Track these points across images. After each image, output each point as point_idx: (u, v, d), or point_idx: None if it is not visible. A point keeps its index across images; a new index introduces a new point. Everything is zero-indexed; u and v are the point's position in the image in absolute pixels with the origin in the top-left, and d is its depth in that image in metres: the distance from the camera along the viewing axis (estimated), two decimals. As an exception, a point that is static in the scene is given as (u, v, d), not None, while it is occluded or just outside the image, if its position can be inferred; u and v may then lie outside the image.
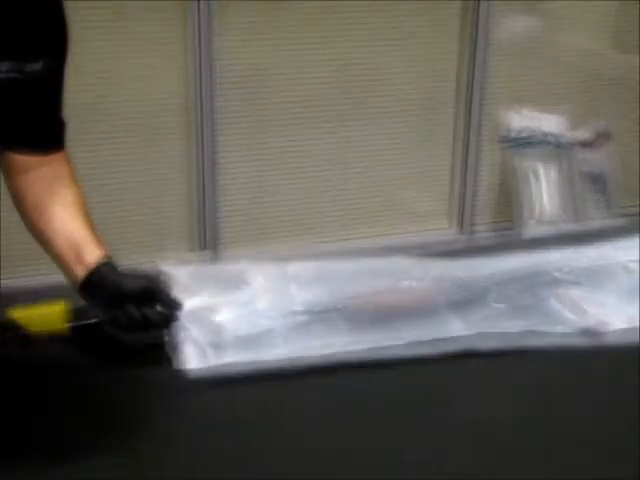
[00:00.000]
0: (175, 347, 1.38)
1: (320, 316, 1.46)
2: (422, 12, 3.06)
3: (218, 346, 1.39)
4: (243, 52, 2.90)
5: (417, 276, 1.53)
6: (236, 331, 1.42)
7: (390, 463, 1.18)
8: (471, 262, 1.58)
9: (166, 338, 1.39)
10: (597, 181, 3.28)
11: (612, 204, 3.30)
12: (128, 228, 2.92)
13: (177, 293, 1.41)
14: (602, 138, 3.27)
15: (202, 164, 2.92)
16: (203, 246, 2.98)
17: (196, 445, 1.20)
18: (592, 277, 1.59)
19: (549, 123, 3.24)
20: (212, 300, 1.44)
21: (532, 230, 2.98)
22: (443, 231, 3.31)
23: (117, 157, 2.85)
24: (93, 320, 1.35)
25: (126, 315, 1.32)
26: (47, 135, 1.39)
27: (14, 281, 2.13)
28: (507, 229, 3.18)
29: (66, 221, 1.36)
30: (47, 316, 1.35)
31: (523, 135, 3.20)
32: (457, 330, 1.48)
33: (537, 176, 3.22)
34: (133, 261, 2.35)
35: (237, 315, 1.44)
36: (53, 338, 1.35)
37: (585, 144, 3.25)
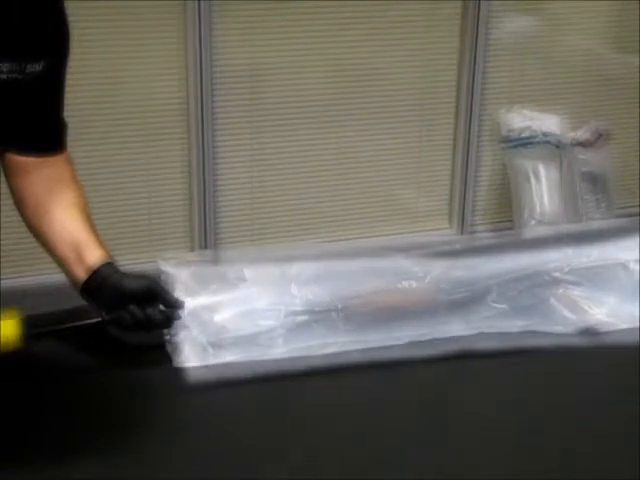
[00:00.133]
0: (175, 347, 1.39)
1: (320, 316, 1.46)
2: (422, 12, 3.06)
3: (218, 346, 1.40)
4: (242, 52, 2.89)
5: (417, 276, 1.53)
6: (236, 331, 1.42)
7: (390, 463, 1.18)
8: (471, 262, 1.58)
9: (166, 338, 1.39)
10: (597, 181, 3.28)
11: (612, 204, 3.30)
12: (128, 228, 2.92)
13: (177, 293, 1.41)
14: (602, 138, 3.27)
15: (202, 164, 2.92)
16: (203, 246, 2.98)
17: (196, 445, 1.20)
18: (592, 277, 1.59)
19: (549, 123, 3.24)
20: (212, 300, 1.44)
21: (532, 230, 2.97)
22: (443, 231, 3.31)
23: (117, 157, 2.85)
24: (48, 328, 1.33)
25: (129, 315, 1.32)
26: (48, 136, 1.39)
27: (14, 281, 2.13)
28: (507, 229, 3.18)
29: (67, 222, 1.36)
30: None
31: (523, 135, 3.20)
32: (457, 330, 1.48)
33: (537, 176, 3.22)
34: (133, 261, 2.35)
35: (237, 315, 1.44)
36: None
37: (585, 144, 3.25)
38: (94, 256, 1.34)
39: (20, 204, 1.38)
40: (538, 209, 3.18)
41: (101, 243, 1.37)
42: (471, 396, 1.34)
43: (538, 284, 1.57)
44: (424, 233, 3.25)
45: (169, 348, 1.39)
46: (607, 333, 1.52)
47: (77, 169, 1.43)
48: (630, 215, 3.06)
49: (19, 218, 1.40)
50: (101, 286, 1.33)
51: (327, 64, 3.01)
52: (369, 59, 3.05)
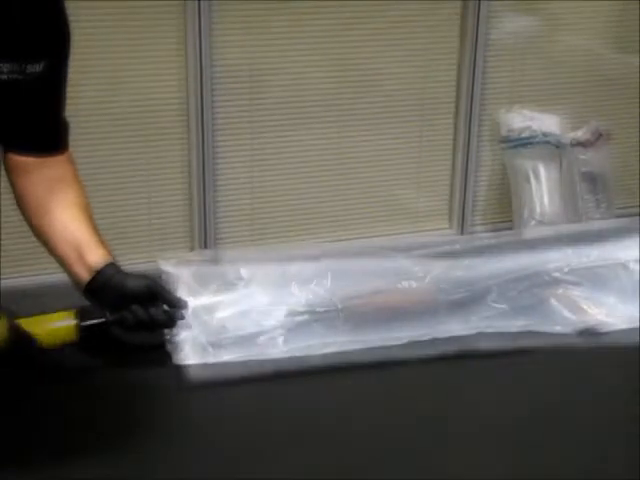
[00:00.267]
0: (176, 346, 1.39)
1: (320, 316, 1.46)
2: (422, 12, 3.06)
3: (218, 345, 1.40)
4: (242, 52, 2.89)
5: (417, 276, 1.53)
6: (236, 330, 1.42)
7: (390, 463, 1.18)
8: (471, 262, 1.58)
9: (167, 337, 1.39)
10: (597, 181, 3.28)
11: (612, 204, 3.30)
12: (128, 228, 2.92)
13: (178, 292, 1.41)
14: (602, 138, 3.27)
15: (202, 164, 2.92)
16: (203, 246, 2.98)
17: (196, 445, 1.20)
18: (592, 277, 1.59)
19: (549, 123, 3.24)
20: (212, 300, 1.44)
21: (532, 230, 2.97)
22: (443, 231, 3.31)
23: (117, 157, 2.85)
24: (100, 320, 1.35)
25: (132, 315, 1.32)
26: (49, 136, 1.39)
27: (14, 281, 2.13)
28: (507, 229, 3.18)
29: (68, 222, 1.37)
30: (59, 331, 1.34)
31: (523, 135, 3.20)
32: (457, 330, 1.48)
33: (537, 176, 3.22)
34: (133, 261, 2.35)
35: (237, 315, 1.44)
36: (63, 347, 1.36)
37: (585, 144, 3.25)
38: (96, 256, 1.34)
39: (21, 204, 1.38)
40: (538, 209, 3.19)
41: (103, 243, 1.37)
42: (471, 396, 1.34)
43: (538, 284, 1.57)
44: (424, 233, 3.25)
45: (169, 348, 1.39)
46: (607, 333, 1.52)
47: (77, 169, 1.43)
48: (630, 215, 3.06)
49: (19, 217, 1.40)
50: (104, 286, 1.33)
51: (327, 64, 3.01)
52: (369, 59, 3.05)
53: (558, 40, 3.26)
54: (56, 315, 1.35)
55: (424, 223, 3.30)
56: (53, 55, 1.31)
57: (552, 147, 3.23)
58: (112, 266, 1.34)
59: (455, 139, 3.23)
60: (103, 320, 1.34)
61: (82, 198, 1.40)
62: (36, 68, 1.27)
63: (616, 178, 3.34)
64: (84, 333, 1.35)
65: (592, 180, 3.27)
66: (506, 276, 1.55)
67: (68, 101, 1.39)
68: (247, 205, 3.06)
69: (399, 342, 1.44)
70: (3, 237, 2.53)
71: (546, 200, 3.20)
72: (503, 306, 1.52)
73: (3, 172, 1.39)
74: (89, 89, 2.69)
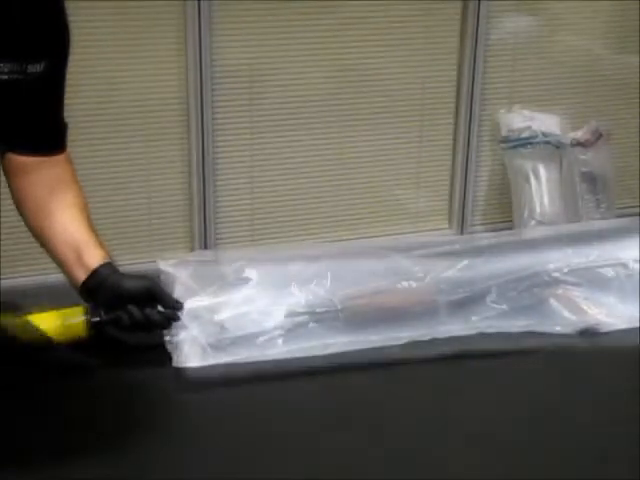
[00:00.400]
0: (175, 347, 1.38)
1: (320, 316, 1.46)
2: (422, 12, 3.06)
3: (218, 346, 1.40)
4: (242, 52, 2.90)
5: (417, 276, 1.53)
6: (236, 331, 1.42)
7: (390, 463, 1.18)
8: (471, 262, 1.58)
9: (166, 338, 1.39)
10: (597, 181, 3.28)
11: (612, 204, 3.30)
12: (128, 228, 2.92)
13: (177, 293, 1.41)
14: (602, 138, 3.27)
15: (202, 164, 2.92)
16: (203, 246, 2.98)
17: (196, 445, 1.20)
18: (592, 277, 1.59)
19: (549, 123, 3.24)
20: (212, 300, 1.44)
21: (532, 230, 2.97)
22: (443, 231, 3.31)
23: (117, 157, 2.85)
24: (110, 317, 1.35)
25: (128, 316, 1.32)
26: (48, 136, 1.39)
27: (14, 281, 2.13)
28: (507, 229, 3.18)
29: (67, 223, 1.37)
30: (71, 327, 1.34)
31: (523, 135, 3.20)
32: (457, 330, 1.48)
33: (537, 176, 3.22)
34: (133, 261, 2.35)
35: (237, 315, 1.44)
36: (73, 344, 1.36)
37: (585, 144, 3.25)
38: (94, 256, 1.34)
39: (20, 204, 1.38)
40: (538, 209, 3.18)
41: (101, 244, 1.37)
42: (471, 396, 1.34)
43: (538, 284, 1.57)
44: (424, 233, 3.25)
45: (169, 348, 1.39)
46: (607, 333, 1.52)
47: (77, 169, 1.43)
48: (630, 215, 3.05)
49: (19, 218, 1.40)
50: (100, 286, 1.33)
51: (327, 64, 3.01)
52: (369, 59, 3.05)
53: (558, 40, 3.26)
54: (68, 311, 1.36)
55: (424, 223, 3.30)
56: (53, 55, 1.31)
57: (552, 147, 3.23)
58: (109, 266, 1.34)
59: (455, 139, 3.23)
60: (113, 316, 1.34)
61: (80, 198, 1.40)
62: (37, 68, 1.27)
63: (616, 178, 3.34)
64: (94, 329, 1.35)
65: (592, 180, 3.27)
66: (506, 276, 1.55)
67: (69, 101, 1.39)
68: (247, 205, 3.06)
69: (399, 342, 1.44)
70: (3, 237, 2.54)
71: (546, 200, 3.20)
72: (503, 306, 1.52)
73: (2, 172, 1.39)
74: (89, 89, 2.69)
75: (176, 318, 1.37)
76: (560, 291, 1.57)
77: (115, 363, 1.38)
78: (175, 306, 1.37)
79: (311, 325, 1.45)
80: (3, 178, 1.39)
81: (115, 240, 2.72)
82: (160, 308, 1.35)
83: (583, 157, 3.25)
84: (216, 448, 1.19)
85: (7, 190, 1.39)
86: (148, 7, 2.75)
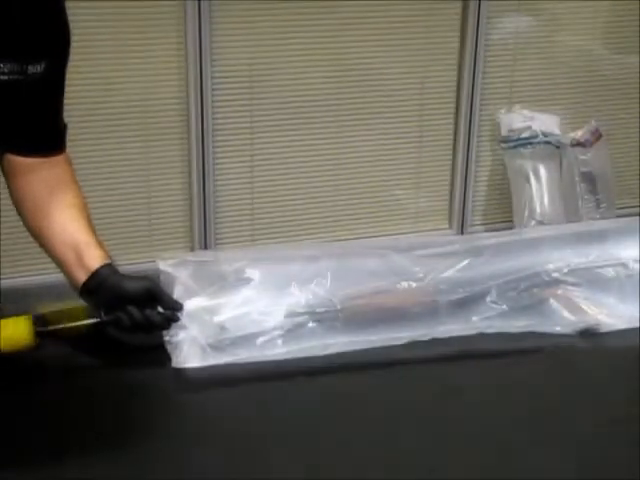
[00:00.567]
0: (175, 347, 1.38)
1: (320, 316, 1.46)
2: (422, 12, 3.06)
3: (218, 346, 1.40)
4: (242, 52, 2.89)
5: (417, 276, 1.53)
6: (236, 331, 1.42)
7: (390, 462, 1.18)
8: (471, 262, 1.58)
9: (166, 338, 1.39)
10: (597, 181, 3.28)
11: (612, 204, 3.30)
12: (128, 228, 2.92)
13: (177, 293, 1.41)
14: (602, 138, 3.27)
15: (202, 164, 2.92)
16: (203, 246, 2.98)
17: (196, 445, 1.20)
18: (592, 277, 1.59)
19: (549, 123, 3.24)
20: (212, 300, 1.44)
21: (532, 230, 2.97)
22: (443, 231, 3.30)
23: (116, 157, 2.85)
24: (54, 327, 1.35)
25: (128, 316, 1.32)
26: (48, 137, 1.39)
27: (14, 281, 2.13)
28: (507, 229, 3.18)
29: (66, 223, 1.37)
30: (13, 338, 1.33)
31: (523, 135, 3.19)
32: (457, 330, 1.48)
33: (537, 176, 3.22)
34: (133, 261, 2.35)
35: (237, 315, 1.44)
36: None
37: (585, 144, 3.25)
38: (93, 257, 1.34)
39: (19, 205, 1.38)
40: (538, 209, 3.18)
41: (100, 244, 1.37)
42: (471, 396, 1.34)
43: (538, 284, 1.57)
44: (424, 233, 3.25)
45: (169, 348, 1.39)
46: (607, 333, 1.52)
47: (77, 169, 1.42)
48: (630, 215, 3.05)
49: (19, 218, 1.40)
50: (100, 287, 1.33)
51: (327, 64, 3.01)
52: (369, 59, 3.05)
53: (558, 40, 3.26)
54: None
55: (424, 223, 3.30)
56: (54, 55, 1.31)
57: (552, 147, 3.22)
58: (109, 267, 1.34)
59: (455, 139, 3.23)
60: (113, 317, 1.34)
61: (80, 199, 1.40)
62: (37, 68, 1.27)
63: (616, 178, 3.34)
64: (40, 338, 1.34)
65: (592, 180, 3.27)
66: (506, 276, 1.55)
67: (68, 101, 1.39)
68: (247, 205, 3.06)
69: (399, 342, 1.44)
70: (3, 237, 2.53)
71: (546, 200, 3.20)
72: (503, 306, 1.52)
73: (1, 173, 1.39)
74: (89, 89, 2.69)
75: (176, 319, 1.37)
76: (560, 291, 1.57)
77: (115, 363, 1.39)
78: (175, 307, 1.37)
79: (311, 325, 1.45)
80: (2, 178, 1.39)
81: (115, 240, 2.71)
82: (160, 309, 1.35)
83: (583, 157, 3.25)
84: (216, 448, 1.19)
85: (7, 190, 1.39)
86: (148, 7, 2.75)
